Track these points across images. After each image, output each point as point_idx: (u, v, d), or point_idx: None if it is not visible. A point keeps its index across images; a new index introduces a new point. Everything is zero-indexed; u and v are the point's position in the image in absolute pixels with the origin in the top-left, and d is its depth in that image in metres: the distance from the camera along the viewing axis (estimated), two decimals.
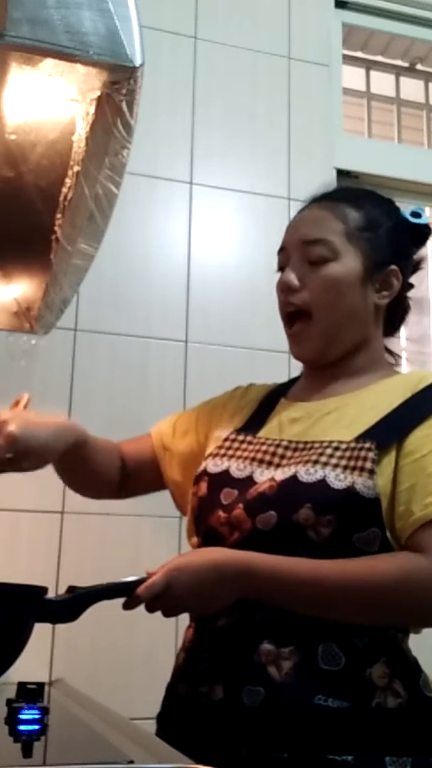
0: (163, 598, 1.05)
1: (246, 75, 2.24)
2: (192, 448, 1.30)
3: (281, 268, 1.23)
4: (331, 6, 2.41)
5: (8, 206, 1.33)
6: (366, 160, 2.36)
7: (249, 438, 1.20)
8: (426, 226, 1.27)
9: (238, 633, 1.06)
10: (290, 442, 1.15)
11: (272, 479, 1.10)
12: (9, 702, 1.05)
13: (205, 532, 1.15)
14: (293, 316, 1.20)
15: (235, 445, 1.20)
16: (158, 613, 1.07)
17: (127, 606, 1.06)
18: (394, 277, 1.22)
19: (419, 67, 2.67)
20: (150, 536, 1.87)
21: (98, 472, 1.31)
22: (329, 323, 1.18)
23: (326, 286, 1.17)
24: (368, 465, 1.06)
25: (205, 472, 1.19)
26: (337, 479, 1.05)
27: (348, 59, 2.53)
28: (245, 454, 1.17)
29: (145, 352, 1.99)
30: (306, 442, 1.13)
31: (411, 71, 2.68)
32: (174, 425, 1.35)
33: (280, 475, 1.10)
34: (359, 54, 2.62)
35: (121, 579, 1.07)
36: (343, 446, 1.09)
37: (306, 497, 1.05)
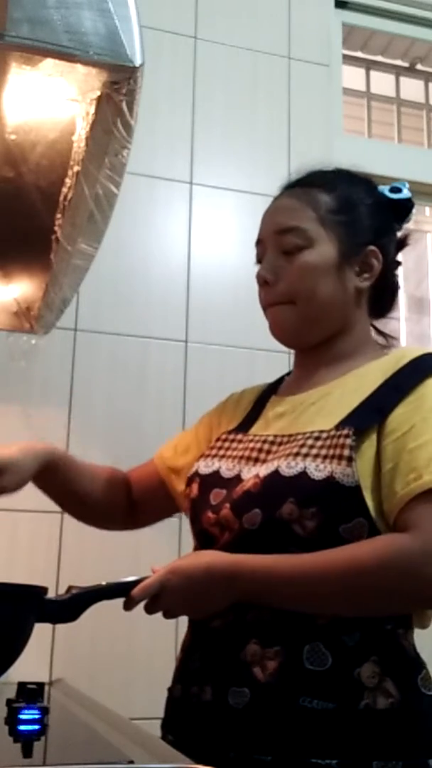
0: (158, 600, 1.05)
1: (246, 75, 2.24)
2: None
3: (259, 260, 1.22)
4: (331, 6, 2.40)
5: (8, 206, 1.33)
6: (366, 160, 2.33)
7: (239, 437, 1.20)
8: (407, 200, 1.24)
9: (229, 633, 1.06)
10: (275, 436, 1.14)
11: (257, 476, 1.09)
12: (9, 702, 1.04)
13: (198, 534, 1.15)
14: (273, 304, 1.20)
15: (226, 444, 1.20)
16: (158, 614, 1.08)
17: (126, 607, 1.06)
18: (374, 258, 1.19)
19: (419, 67, 2.67)
20: (150, 536, 1.87)
21: (93, 498, 1.31)
22: (309, 310, 1.17)
23: (302, 275, 1.16)
24: (346, 452, 1.03)
25: (196, 473, 1.19)
26: (317, 470, 1.03)
27: (348, 59, 2.53)
28: (234, 453, 1.17)
29: (145, 352, 1.98)
30: (290, 435, 1.12)
31: (411, 71, 2.68)
32: (175, 447, 1.35)
33: (264, 470, 1.09)
34: (359, 54, 2.62)
35: (121, 579, 1.07)
36: (324, 435, 1.07)
37: (288, 491, 1.04)
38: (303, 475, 1.04)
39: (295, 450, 1.07)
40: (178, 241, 2.08)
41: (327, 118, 2.30)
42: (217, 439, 1.22)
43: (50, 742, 0.98)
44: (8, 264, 1.55)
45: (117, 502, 1.35)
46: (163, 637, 1.71)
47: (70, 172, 1.18)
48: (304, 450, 1.06)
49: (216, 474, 1.16)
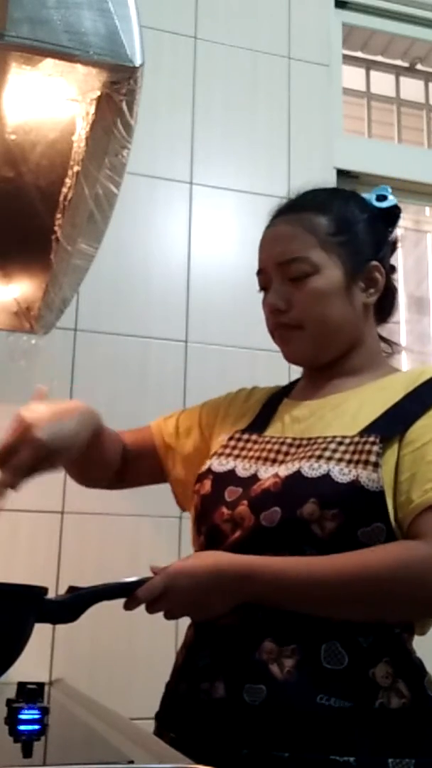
0: (162, 601, 1.05)
1: (246, 75, 2.24)
2: (197, 446, 1.30)
3: (263, 288, 1.23)
4: (331, 6, 2.41)
5: (8, 206, 1.33)
6: (366, 160, 2.36)
7: (254, 437, 1.20)
8: (394, 207, 1.26)
9: (240, 631, 1.06)
10: (294, 439, 1.15)
11: (276, 475, 1.09)
12: (9, 702, 1.05)
13: (208, 530, 1.15)
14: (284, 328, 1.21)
15: (240, 444, 1.20)
16: (158, 613, 1.07)
17: (126, 607, 1.06)
18: (377, 272, 1.21)
19: (419, 67, 2.67)
20: (150, 536, 1.87)
21: (103, 459, 1.30)
22: (320, 333, 1.19)
23: (312, 301, 1.17)
24: (372, 458, 1.05)
25: (209, 470, 1.18)
26: (342, 473, 1.05)
27: (348, 59, 2.53)
28: (251, 453, 1.17)
29: (145, 352, 1.99)
30: (309, 438, 1.13)
31: (411, 71, 2.68)
32: (177, 423, 1.34)
33: (284, 471, 1.09)
34: (359, 54, 2.62)
35: (122, 579, 1.07)
36: (347, 441, 1.09)
37: (311, 492, 1.05)
38: (327, 477, 1.05)
39: (317, 453, 1.09)
40: (178, 241, 2.08)
41: (327, 118, 2.30)
42: (230, 438, 1.22)
43: (50, 742, 0.98)
44: (8, 264, 1.55)
45: (114, 463, 1.33)
46: (163, 637, 1.70)
47: (70, 172, 1.18)
48: (327, 453, 1.08)
49: (231, 473, 1.16)
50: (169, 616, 1.07)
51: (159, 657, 1.79)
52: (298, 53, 2.30)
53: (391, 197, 1.26)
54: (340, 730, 0.99)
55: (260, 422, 1.24)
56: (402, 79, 2.69)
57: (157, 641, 1.76)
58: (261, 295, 1.24)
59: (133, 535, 1.87)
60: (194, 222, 2.10)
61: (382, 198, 1.25)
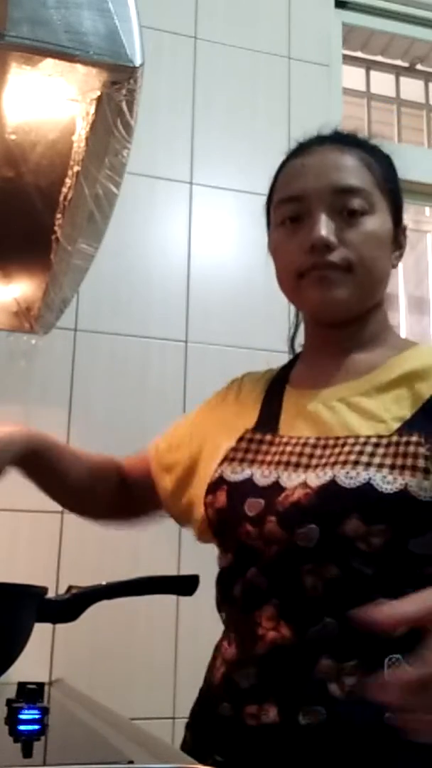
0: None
1: (246, 75, 2.24)
2: (184, 464, 1.19)
3: (292, 219, 1.07)
4: (331, 6, 2.41)
5: (8, 206, 1.33)
6: None
7: (268, 437, 1.06)
8: None
9: (293, 648, 0.95)
10: (318, 439, 1.01)
11: (305, 485, 0.96)
12: (9, 702, 1.04)
13: (236, 549, 1.03)
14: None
15: (254, 447, 1.06)
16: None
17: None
18: (404, 235, 1.11)
19: (419, 67, 2.67)
20: (150, 536, 1.87)
21: (82, 486, 1.22)
22: (368, 280, 1.05)
23: (366, 242, 1.04)
24: (420, 463, 0.92)
25: (222, 479, 1.05)
26: (385, 482, 0.92)
27: (348, 59, 2.52)
28: (268, 458, 1.03)
29: (145, 352, 1.98)
30: (336, 438, 1.00)
31: (411, 71, 2.68)
32: (170, 442, 1.24)
33: (315, 479, 0.96)
34: (359, 54, 2.62)
35: (122, 579, 1.07)
36: (384, 441, 0.96)
37: (351, 506, 0.92)
38: (368, 486, 0.93)
39: (352, 457, 0.96)
40: (178, 241, 2.08)
41: (327, 118, 2.29)
42: (240, 439, 1.08)
43: (50, 742, 0.98)
44: (8, 264, 1.55)
45: (109, 494, 1.25)
46: (163, 637, 1.71)
47: (70, 172, 1.18)
48: (363, 458, 0.95)
49: (249, 482, 1.02)
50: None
51: (159, 657, 1.79)
52: (298, 53, 2.30)
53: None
54: (413, 751, 0.85)
55: (268, 418, 1.10)
56: (402, 79, 2.69)
57: (157, 641, 1.76)
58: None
59: (133, 535, 1.86)
60: (194, 222, 2.10)
61: None
